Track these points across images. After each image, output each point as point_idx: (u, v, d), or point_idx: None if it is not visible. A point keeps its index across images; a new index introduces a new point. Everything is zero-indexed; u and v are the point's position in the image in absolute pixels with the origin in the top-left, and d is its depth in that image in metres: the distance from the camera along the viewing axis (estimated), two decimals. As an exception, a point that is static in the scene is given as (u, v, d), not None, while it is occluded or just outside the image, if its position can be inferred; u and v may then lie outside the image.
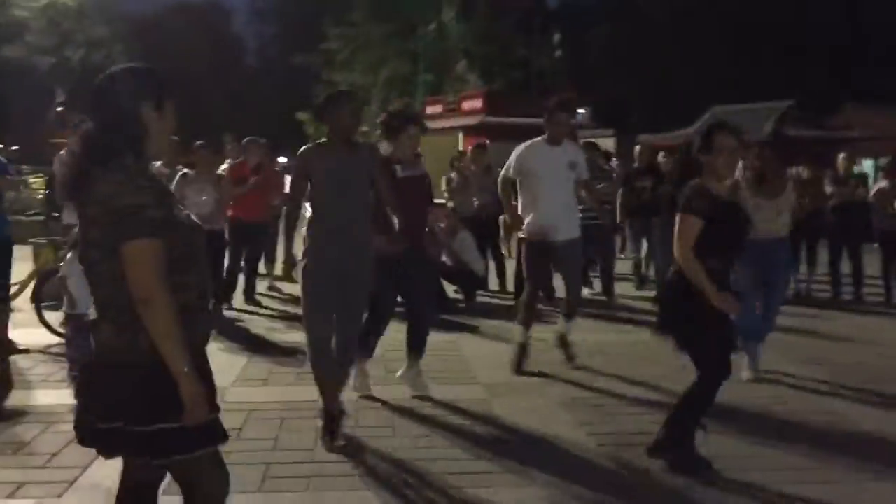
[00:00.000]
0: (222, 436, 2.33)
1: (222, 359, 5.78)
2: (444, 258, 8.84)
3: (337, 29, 31.33)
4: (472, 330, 7.27)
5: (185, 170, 7.37)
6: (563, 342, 5.95)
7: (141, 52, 34.84)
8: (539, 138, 5.83)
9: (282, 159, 11.52)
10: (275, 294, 9.16)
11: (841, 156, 9.31)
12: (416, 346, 5.16)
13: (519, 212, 5.85)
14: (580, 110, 32.35)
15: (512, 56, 29.75)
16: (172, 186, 6.71)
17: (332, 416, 4.26)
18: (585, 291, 8.69)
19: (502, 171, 6.05)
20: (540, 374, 5.66)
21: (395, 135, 4.91)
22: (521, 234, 6.14)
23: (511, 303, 7.96)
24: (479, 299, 8.71)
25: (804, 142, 20.46)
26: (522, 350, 5.74)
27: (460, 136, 24.41)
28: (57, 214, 7.75)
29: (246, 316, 7.96)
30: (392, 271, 4.72)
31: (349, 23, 30.99)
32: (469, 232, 9.26)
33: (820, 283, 9.39)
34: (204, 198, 7.10)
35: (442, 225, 8.34)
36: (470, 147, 11.49)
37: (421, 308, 5.14)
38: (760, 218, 5.35)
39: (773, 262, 5.65)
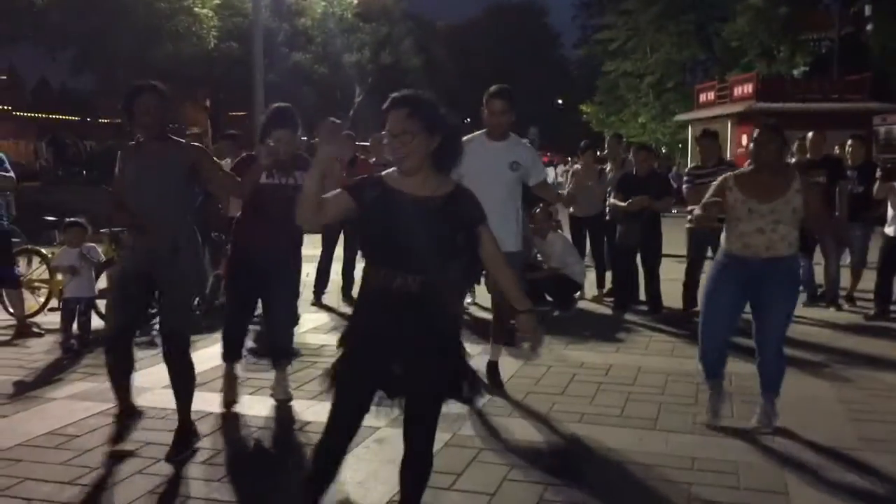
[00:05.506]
0: None
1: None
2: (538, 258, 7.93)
3: (610, 18, 30.44)
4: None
5: None
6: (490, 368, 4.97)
7: (437, 53, 37.00)
8: (478, 132, 4.79)
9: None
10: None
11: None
12: (274, 356, 4.72)
13: None
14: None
15: (797, 34, 25.84)
16: None
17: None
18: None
19: None
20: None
21: (262, 139, 4.46)
22: None
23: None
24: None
25: None
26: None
27: (729, 124, 22.08)
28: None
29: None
30: (256, 274, 4.42)
31: (624, 11, 29.73)
32: (561, 233, 8.13)
33: None
34: None
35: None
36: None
37: (276, 319, 4.68)
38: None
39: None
